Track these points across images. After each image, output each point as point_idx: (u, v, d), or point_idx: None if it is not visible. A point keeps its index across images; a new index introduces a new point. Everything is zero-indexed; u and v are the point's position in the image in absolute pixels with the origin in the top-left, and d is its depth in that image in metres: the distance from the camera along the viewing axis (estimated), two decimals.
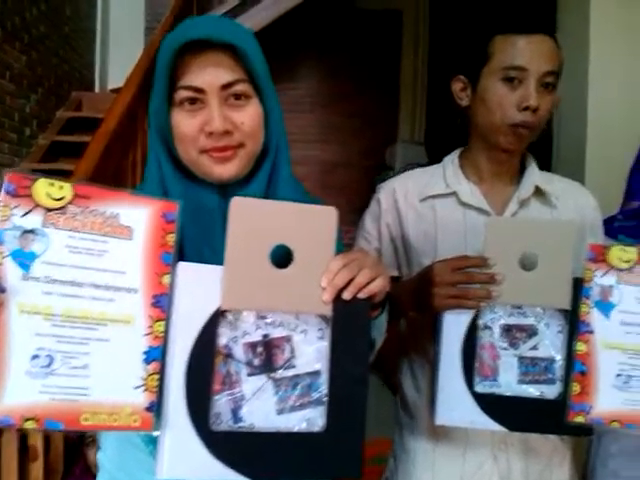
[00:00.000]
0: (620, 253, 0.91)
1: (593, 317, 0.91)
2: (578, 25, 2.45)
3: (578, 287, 0.92)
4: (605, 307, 0.91)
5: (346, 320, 0.76)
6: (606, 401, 0.90)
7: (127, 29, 5.22)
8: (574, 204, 1.08)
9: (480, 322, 0.94)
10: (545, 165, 2.70)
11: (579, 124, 2.40)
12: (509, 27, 1.00)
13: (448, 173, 1.09)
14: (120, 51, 4.98)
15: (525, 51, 0.99)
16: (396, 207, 1.09)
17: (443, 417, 0.93)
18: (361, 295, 0.76)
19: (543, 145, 2.77)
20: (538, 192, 1.06)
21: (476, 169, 1.09)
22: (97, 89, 5.07)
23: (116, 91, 3.52)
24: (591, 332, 0.91)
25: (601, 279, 0.91)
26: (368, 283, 0.76)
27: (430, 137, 4.72)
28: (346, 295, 0.75)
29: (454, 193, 1.06)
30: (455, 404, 0.93)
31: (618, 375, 0.90)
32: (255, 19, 4.44)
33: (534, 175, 1.07)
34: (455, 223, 1.03)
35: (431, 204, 1.07)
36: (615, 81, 2.36)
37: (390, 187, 1.12)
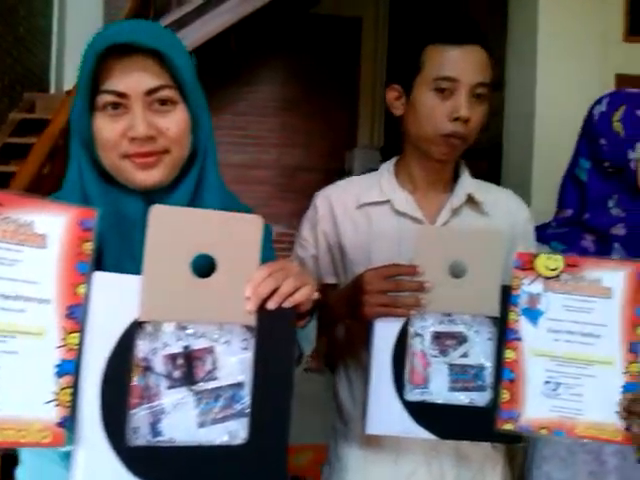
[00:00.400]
0: (547, 261, 0.92)
1: (521, 325, 0.92)
2: (527, 30, 2.50)
3: (506, 295, 0.93)
4: (533, 315, 0.92)
5: (271, 330, 0.75)
6: (534, 408, 0.91)
7: (84, 29, 5.10)
8: (506, 212, 1.10)
9: (411, 330, 0.95)
10: (496, 170, 2.75)
11: (526, 130, 2.44)
12: (441, 37, 1.01)
13: (384, 181, 1.09)
14: (77, 52, 4.86)
15: (456, 62, 0.99)
16: (332, 214, 1.09)
17: (373, 426, 0.93)
18: (286, 304, 0.75)
19: (494, 151, 2.82)
20: (470, 200, 1.07)
21: (410, 177, 1.09)
22: (53, 90, 4.95)
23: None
24: (519, 339, 0.92)
25: (529, 287, 0.92)
26: (293, 292, 0.75)
27: (388, 142, 4.75)
28: (271, 305, 0.74)
29: (389, 201, 1.06)
30: (385, 413, 0.93)
31: (546, 382, 0.91)
32: (214, 23, 4.41)
33: (466, 184, 1.08)
34: (389, 231, 1.04)
35: (366, 212, 1.07)
36: (563, 84, 2.42)
37: (327, 194, 1.11)
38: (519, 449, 1.19)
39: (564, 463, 1.12)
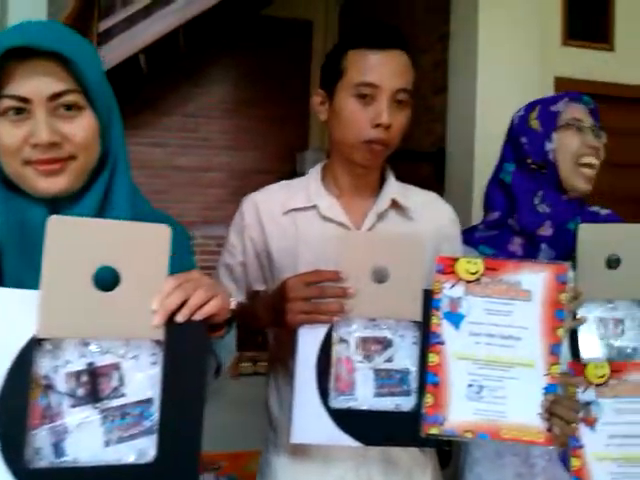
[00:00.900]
0: (467, 265, 0.92)
1: (443, 328, 0.92)
2: (467, 34, 2.53)
3: (428, 299, 0.93)
4: (454, 318, 0.92)
5: (181, 344, 0.73)
6: (459, 412, 0.91)
7: None
8: (431, 216, 1.09)
9: (336, 336, 0.94)
10: (441, 173, 2.77)
11: (468, 134, 2.47)
12: (361, 42, 1.00)
13: (310, 186, 1.08)
14: None
15: (377, 67, 0.98)
16: (259, 220, 1.07)
17: (298, 435, 0.92)
18: (196, 317, 0.73)
19: (439, 155, 2.84)
20: (396, 205, 1.07)
21: (336, 182, 1.08)
22: None
23: None
24: (442, 343, 0.92)
25: (450, 291, 0.92)
26: (203, 304, 0.73)
27: None
28: (179, 318, 0.71)
29: (315, 206, 1.05)
30: (311, 421, 0.91)
31: (470, 385, 0.91)
32: (162, 23, 4.33)
33: (391, 188, 1.07)
34: (315, 237, 1.02)
35: (293, 217, 1.06)
36: (503, 88, 2.45)
37: (253, 200, 1.09)
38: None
39: (493, 465, 1.13)
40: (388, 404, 0.94)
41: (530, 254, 1.12)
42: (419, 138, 3.13)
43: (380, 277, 0.93)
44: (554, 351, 0.90)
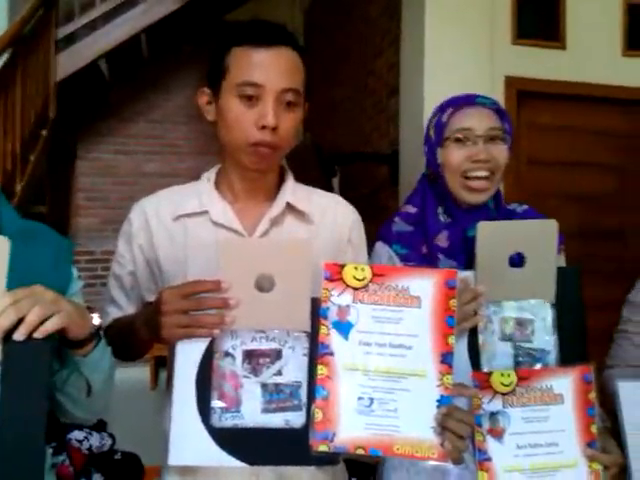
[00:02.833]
0: (354, 271, 0.87)
1: (332, 338, 0.87)
2: (415, 36, 2.50)
3: (316, 307, 0.87)
4: (343, 327, 0.87)
5: (20, 363, 0.67)
6: (349, 427, 0.86)
7: None
8: (333, 219, 1.04)
9: (220, 349, 0.88)
10: (396, 175, 2.73)
11: (418, 135, 2.43)
12: (245, 38, 0.94)
13: (203, 190, 1.02)
14: None
15: (261, 66, 0.92)
16: (148, 227, 1.01)
17: (176, 456, 0.86)
18: (37, 335, 0.67)
19: (394, 156, 2.80)
20: (294, 209, 1.02)
21: (230, 187, 1.02)
22: None
23: None
24: (331, 354, 0.87)
25: (338, 298, 0.87)
26: (44, 321, 0.68)
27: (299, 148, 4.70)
28: (16, 336, 0.66)
29: (206, 212, 0.99)
30: (190, 441, 0.86)
31: (360, 398, 0.86)
32: (122, 29, 4.27)
33: (287, 192, 1.02)
34: (206, 244, 0.97)
35: (184, 224, 1.00)
36: (452, 88, 2.41)
37: (142, 206, 1.03)
38: None
39: (408, 474, 1.08)
40: (277, 420, 0.88)
41: (431, 262, 1.07)
42: (376, 140, 3.10)
43: (266, 286, 0.88)
44: (445, 360, 0.85)
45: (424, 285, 0.86)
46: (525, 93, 2.53)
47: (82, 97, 4.67)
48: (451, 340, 0.85)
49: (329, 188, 3.23)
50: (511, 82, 2.49)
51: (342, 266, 0.87)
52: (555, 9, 2.59)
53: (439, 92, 2.42)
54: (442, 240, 1.09)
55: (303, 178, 3.55)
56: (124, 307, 1.03)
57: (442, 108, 1.13)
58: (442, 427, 0.84)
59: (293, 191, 1.03)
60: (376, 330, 0.86)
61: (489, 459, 0.92)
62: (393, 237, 1.12)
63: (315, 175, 3.46)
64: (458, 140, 1.08)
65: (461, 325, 0.94)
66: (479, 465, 0.92)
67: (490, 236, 0.96)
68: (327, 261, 0.88)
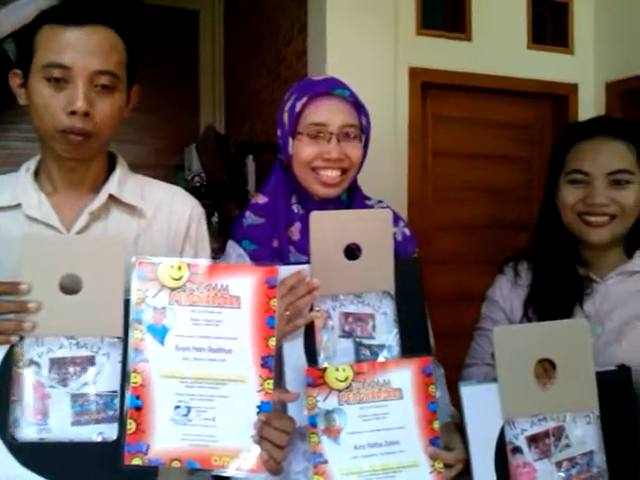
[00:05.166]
0: (170, 270, 0.81)
1: (147, 343, 0.80)
2: (318, 29, 2.45)
3: (129, 310, 0.81)
4: (159, 331, 0.80)
5: None
6: (165, 438, 0.80)
7: None
8: (168, 214, 0.97)
9: (24, 357, 0.80)
10: None
11: None
12: (56, 16, 0.85)
13: (19, 182, 0.93)
14: None
15: (70, 46, 0.84)
16: None
17: None
18: None
19: None
20: (119, 202, 0.94)
21: (49, 177, 0.93)
22: None
23: None
24: (146, 361, 0.80)
25: (153, 300, 0.80)
26: None
27: (229, 137, 4.60)
28: None
29: (20, 205, 0.90)
30: None
31: (177, 407, 0.80)
32: (25, 10, 4.04)
33: (112, 184, 0.94)
34: (18, 241, 0.88)
35: None
36: (354, 80, 2.37)
37: None
38: None
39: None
40: (89, 433, 0.81)
41: (282, 257, 1.01)
42: None
43: (73, 287, 0.80)
44: (266, 364, 0.80)
45: (244, 284, 0.80)
46: (430, 84, 2.51)
47: None
48: (272, 342, 0.80)
49: (239, 179, 3.14)
50: (415, 73, 2.46)
51: (156, 263, 0.81)
52: (460, 0, 2.58)
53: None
54: (294, 233, 1.03)
55: (209, 169, 3.43)
56: None
57: (297, 94, 1.05)
58: (260, 436, 0.79)
59: (121, 182, 0.95)
60: (195, 334, 0.80)
61: (325, 462, 0.87)
62: (242, 233, 1.05)
63: (218, 166, 3.38)
64: (311, 135, 1.01)
65: (296, 322, 0.89)
66: (314, 469, 0.87)
67: (323, 227, 0.90)
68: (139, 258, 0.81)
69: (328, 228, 0.90)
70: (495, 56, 2.64)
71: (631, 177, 1.01)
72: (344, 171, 1.02)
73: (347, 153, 1.01)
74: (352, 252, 0.92)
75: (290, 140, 1.03)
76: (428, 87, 2.54)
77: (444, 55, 2.54)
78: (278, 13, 3.23)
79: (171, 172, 4.77)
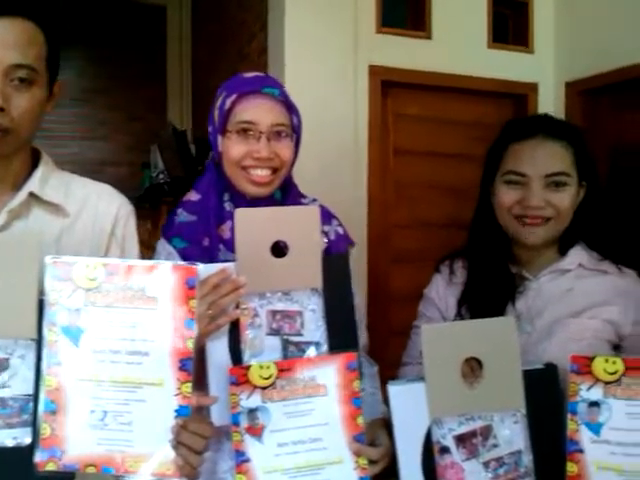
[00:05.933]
0: (86, 270, 0.78)
1: (61, 345, 0.78)
2: (276, 28, 2.43)
3: (42, 312, 0.78)
4: (73, 333, 0.78)
5: None
6: (80, 443, 0.78)
7: None
8: (94, 212, 0.95)
9: None
10: None
11: None
12: None
13: None
14: None
15: None
16: None
17: None
18: None
19: None
20: (40, 200, 0.91)
21: None
22: None
23: None
24: (59, 364, 0.78)
25: (68, 300, 0.78)
26: None
27: (198, 134, 4.56)
28: None
29: None
30: None
31: (92, 411, 0.78)
32: None
33: (34, 181, 0.91)
34: None
35: None
36: (313, 79, 2.36)
37: None
38: None
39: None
40: (3, 438, 0.79)
41: (212, 255, 1.00)
42: None
43: None
44: (184, 367, 0.78)
45: (162, 284, 0.78)
46: (391, 83, 2.51)
47: None
48: (190, 344, 0.78)
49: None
50: (375, 71, 2.46)
51: (72, 263, 0.78)
52: None
53: (301, 80, 2.38)
54: (225, 231, 1.01)
55: (169, 166, 3.37)
56: None
57: (227, 91, 1.04)
58: (177, 441, 0.77)
59: (43, 180, 0.92)
60: (110, 336, 0.78)
61: (247, 460, 0.86)
62: (173, 231, 1.03)
63: (177, 163, 3.35)
64: (240, 133, 1.00)
65: (219, 320, 0.87)
66: (237, 468, 0.86)
67: (248, 224, 0.89)
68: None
69: (254, 225, 0.89)
70: (455, 55, 2.64)
71: (568, 179, 1.01)
72: (274, 170, 1.01)
73: (277, 152, 1.00)
74: (280, 249, 0.91)
75: (219, 138, 1.02)
76: (389, 85, 2.54)
77: (404, 53, 2.54)
78: (242, 9, 3.20)
79: (137, 170, 4.71)
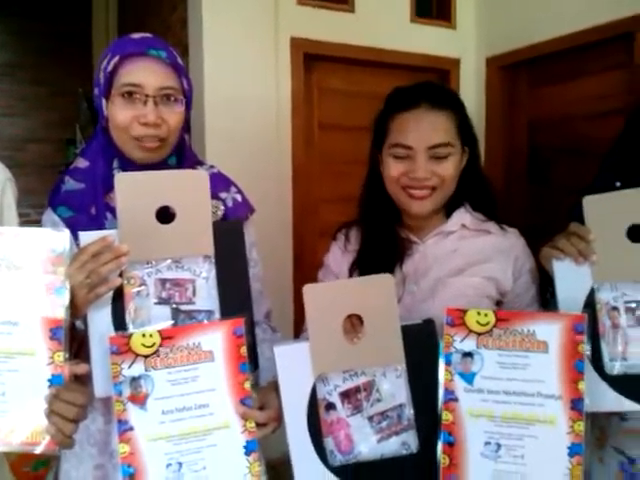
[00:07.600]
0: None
1: None
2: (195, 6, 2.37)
3: None
4: None
5: None
6: None
7: None
8: None
9: None
10: None
11: (198, 109, 2.29)
12: None
13: None
14: None
15: None
16: None
17: None
18: None
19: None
20: None
21: None
22: None
23: None
24: None
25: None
26: None
27: None
28: None
29: None
30: None
31: None
32: None
33: None
34: None
35: None
36: (235, 49, 2.32)
37: None
38: None
39: (77, 458, 1.00)
40: None
41: (99, 224, 0.97)
42: None
43: None
44: (55, 335, 0.77)
45: (27, 251, 0.76)
46: (315, 56, 2.50)
47: None
48: (60, 313, 0.77)
49: None
50: (297, 44, 2.44)
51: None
52: None
53: (221, 53, 2.33)
54: (114, 199, 0.99)
55: (87, 140, 3.25)
56: None
57: (112, 53, 0.99)
58: (50, 410, 0.76)
59: None
60: None
61: (130, 429, 0.84)
62: (59, 200, 1.00)
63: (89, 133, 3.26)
64: (125, 97, 0.96)
65: (98, 290, 0.85)
66: (119, 437, 0.83)
67: (131, 188, 0.86)
68: None
69: (136, 190, 0.86)
70: (378, 29, 2.65)
71: (451, 150, 1.03)
72: (162, 139, 0.99)
73: (165, 117, 0.97)
74: (170, 216, 0.89)
75: (104, 102, 0.99)
76: (313, 59, 2.53)
77: (326, 26, 2.53)
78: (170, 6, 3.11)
79: (62, 146, 4.57)
